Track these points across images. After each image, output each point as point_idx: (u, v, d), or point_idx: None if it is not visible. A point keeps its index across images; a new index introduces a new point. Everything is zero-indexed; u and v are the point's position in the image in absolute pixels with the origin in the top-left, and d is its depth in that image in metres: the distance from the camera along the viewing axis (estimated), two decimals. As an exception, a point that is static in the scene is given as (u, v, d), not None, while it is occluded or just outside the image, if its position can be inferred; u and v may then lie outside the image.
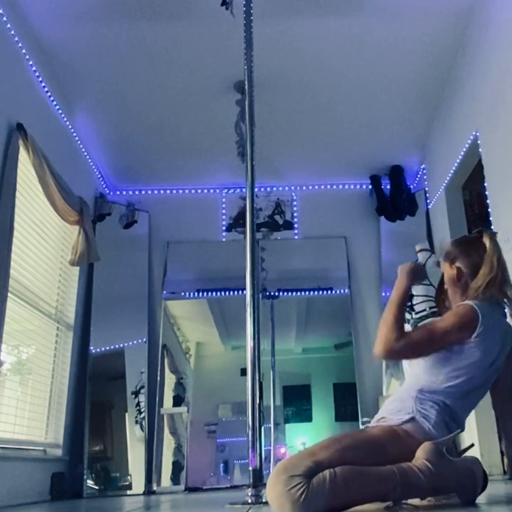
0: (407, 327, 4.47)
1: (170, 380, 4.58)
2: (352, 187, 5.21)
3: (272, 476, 1.54)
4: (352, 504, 1.55)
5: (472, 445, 1.82)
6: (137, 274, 4.83)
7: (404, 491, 1.53)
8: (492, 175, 3.30)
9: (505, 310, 1.82)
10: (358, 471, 1.54)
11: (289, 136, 4.48)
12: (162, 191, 5.21)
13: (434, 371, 1.75)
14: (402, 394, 1.79)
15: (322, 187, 5.22)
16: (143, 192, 5.21)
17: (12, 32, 3.24)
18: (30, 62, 3.50)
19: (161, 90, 3.99)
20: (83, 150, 4.54)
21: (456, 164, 3.99)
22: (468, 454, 1.76)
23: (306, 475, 1.49)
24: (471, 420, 3.85)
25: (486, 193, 3.39)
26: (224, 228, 5.13)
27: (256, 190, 2.68)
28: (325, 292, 4.79)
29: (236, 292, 4.65)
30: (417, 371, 1.81)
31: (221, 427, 4.47)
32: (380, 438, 1.66)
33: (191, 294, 4.87)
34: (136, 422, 4.34)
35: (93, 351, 4.46)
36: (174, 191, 5.23)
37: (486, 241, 1.82)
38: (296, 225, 5.14)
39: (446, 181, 4.25)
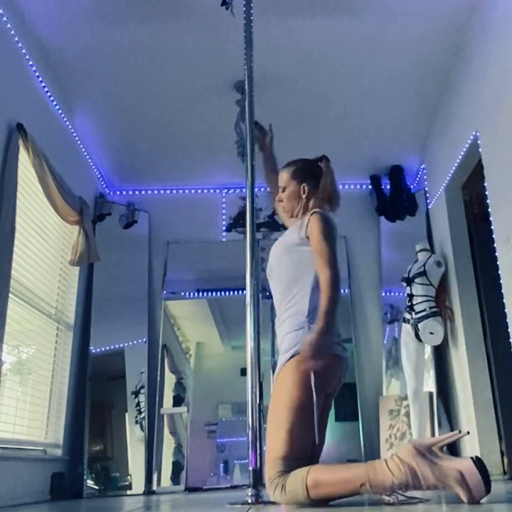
0: (407, 327, 4.46)
1: (170, 380, 4.58)
2: (352, 187, 5.20)
3: (274, 493, 1.82)
4: (330, 497, 1.75)
5: (455, 434, 1.80)
6: (137, 274, 4.83)
7: (374, 487, 1.65)
8: (492, 175, 3.30)
9: None
10: (328, 471, 1.74)
11: (289, 136, 4.47)
12: (162, 191, 5.21)
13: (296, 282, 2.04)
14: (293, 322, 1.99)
15: (322, 187, 5.21)
16: (143, 192, 5.21)
17: (12, 32, 3.24)
18: (30, 62, 3.50)
19: (160, 90, 3.99)
20: (83, 150, 4.54)
21: (456, 164, 3.99)
22: (470, 453, 1.76)
23: (281, 474, 1.78)
24: (471, 420, 3.85)
25: (486, 193, 3.39)
26: (224, 228, 5.13)
27: (256, 190, 2.68)
28: (325, 292, 4.78)
29: (236, 292, 4.66)
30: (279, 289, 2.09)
31: (221, 427, 4.47)
32: (293, 380, 1.87)
33: (191, 294, 4.87)
34: (136, 422, 4.34)
35: (93, 351, 4.46)
36: (174, 191, 5.23)
37: (324, 166, 2.31)
38: (296, 225, 5.13)
39: (446, 181, 4.25)
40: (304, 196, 2.23)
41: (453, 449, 4.06)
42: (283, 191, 2.26)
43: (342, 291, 4.79)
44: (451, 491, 1.62)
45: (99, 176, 4.95)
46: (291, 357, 1.91)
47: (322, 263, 1.97)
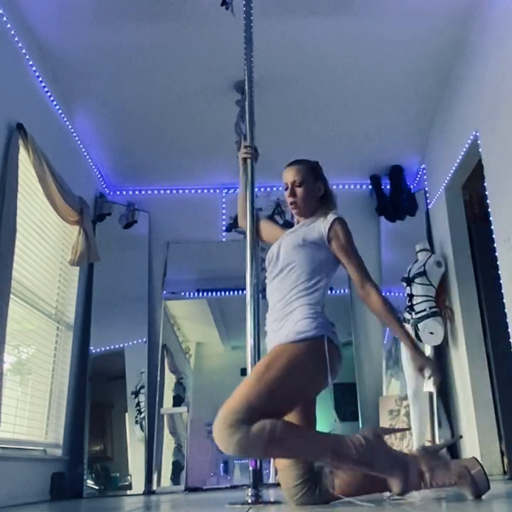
0: (407, 327, 4.48)
1: (170, 380, 4.58)
2: (352, 187, 5.20)
3: (216, 423, 1.76)
4: (284, 456, 1.83)
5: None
6: (137, 274, 4.83)
7: (335, 458, 1.74)
8: (492, 175, 3.30)
9: None
10: (296, 430, 1.79)
11: (289, 136, 4.47)
12: (162, 191, 5.21)
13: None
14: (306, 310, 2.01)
15: (322, 187, 5.21)
16: (143, 192, 5.21)
17: (12, 32, 3.24)
18: (30, 62, 3.50)
19: (161, 90, 3.99)
20: (83, 150, 4.54)
21: (456, 164, 3.99)
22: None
23: (244, 421, 1.71)
24: (471, 420, 3.85)
25: (486, 193, 3.39)
26: (224, 228, 5.13)
27: (256, 190, 2.68)
28: (325, 292, 4.79)
29: (236, 292, 4.65)
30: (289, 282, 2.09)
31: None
32: (298, 356, 1.89)
33: (191, 294, 4.87)
34: (136, 422, 4.34)
35: (93, 351, 4.46)
36: (174, 191, 5.23)
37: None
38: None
39: (446, 181, 4.25)
40: (318, 195, 2.25)
41: (453, 449, 4.06)
42: (299, 186, 2.22)
43: (342, 291, 4.84)
44: (391, 480, 1.76)
45: (99, 176, 4.95)
46: (305, 340, 1.91)
47: (362, 276, 2.06)
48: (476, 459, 1.83)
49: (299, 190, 2.22)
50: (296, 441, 1.74)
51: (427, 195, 4.88)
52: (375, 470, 1.76)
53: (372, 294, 2.04)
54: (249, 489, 2.22)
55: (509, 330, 3.08)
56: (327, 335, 1.94)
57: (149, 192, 5.21)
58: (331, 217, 2.12)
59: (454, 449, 4.07)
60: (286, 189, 2.26)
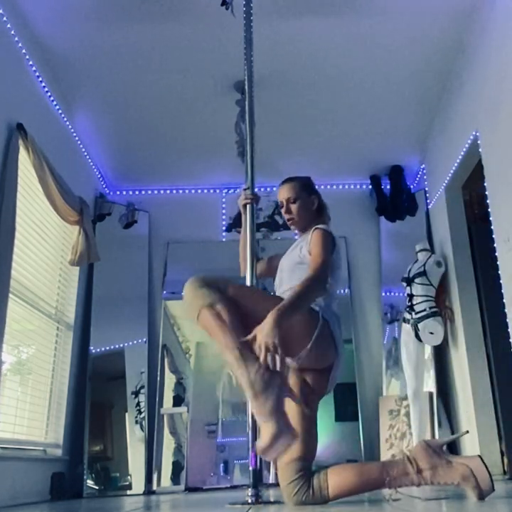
0: (407, 327, 4.46)
1: (170, 380, 4.58)
2: (352, 187, 5.21)
3: (191, 280, 1.93)
4: (207, 331, 1.92)
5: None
6: (137, 274, 4.83)
7: (236, 360, 1.82)
8: (492, 175, 3.30)
9: None
10: (234, 319, 1.84)
11: (289, 136, 4.48)
12: (162, 191, 5.22)
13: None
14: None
15: (322, 187, 5.13)
16: (143, 192, 5.21)
17: (12, 32, 3.24)
18: (30, 62, 3.50)
19: (161, 90, 3.99)
20: (83, 150, 4.54)
21: (456, 164, 3.99)
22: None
23: (207, 285, 1.88)
24: (471, 420, 3.85)
25: (486, 193, 3.39)
26: (224, 228, 5.14)
27: (256, 190, 2.68)
28: (325, 292, 4.78)
29: (236, 292, 4.64)
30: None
31: (221, 426, 4.46)
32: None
33: (191, 294, 4.85)
34: (136, 422, 4.34)
35: (93, 351, 4.46)
36: (174, 191, 5.23)
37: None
38: (296, 225, 5.13)
39: (446, 181, 4.25)
40: (313, 208, 2.33)
41: (453, 449, 4.06)
42: (293, 202, 2.30)
43: (342, 291, 4.83)
44: (264, 429, 1.72)
45: (99, 176, 4.95)
46: None
47: (312, 267, 2.02)
48: (481, 459, 1.79)
49: (293, 207, 2.31)
50: (224, 325, 1.83)
51: (427, 195, 4.88)
52: (256, 402, 1.72)
53: (310, 275, 1.97)
54: (249, 489, 2.22)
55: (509, 330, 3.08)
56: (322, 314, 1.96)
57: (149, 192, 5.21)
58: (314, 228, 2.18)
59: (454, 448, 4.07)
60: (281, 207, 2.34)
